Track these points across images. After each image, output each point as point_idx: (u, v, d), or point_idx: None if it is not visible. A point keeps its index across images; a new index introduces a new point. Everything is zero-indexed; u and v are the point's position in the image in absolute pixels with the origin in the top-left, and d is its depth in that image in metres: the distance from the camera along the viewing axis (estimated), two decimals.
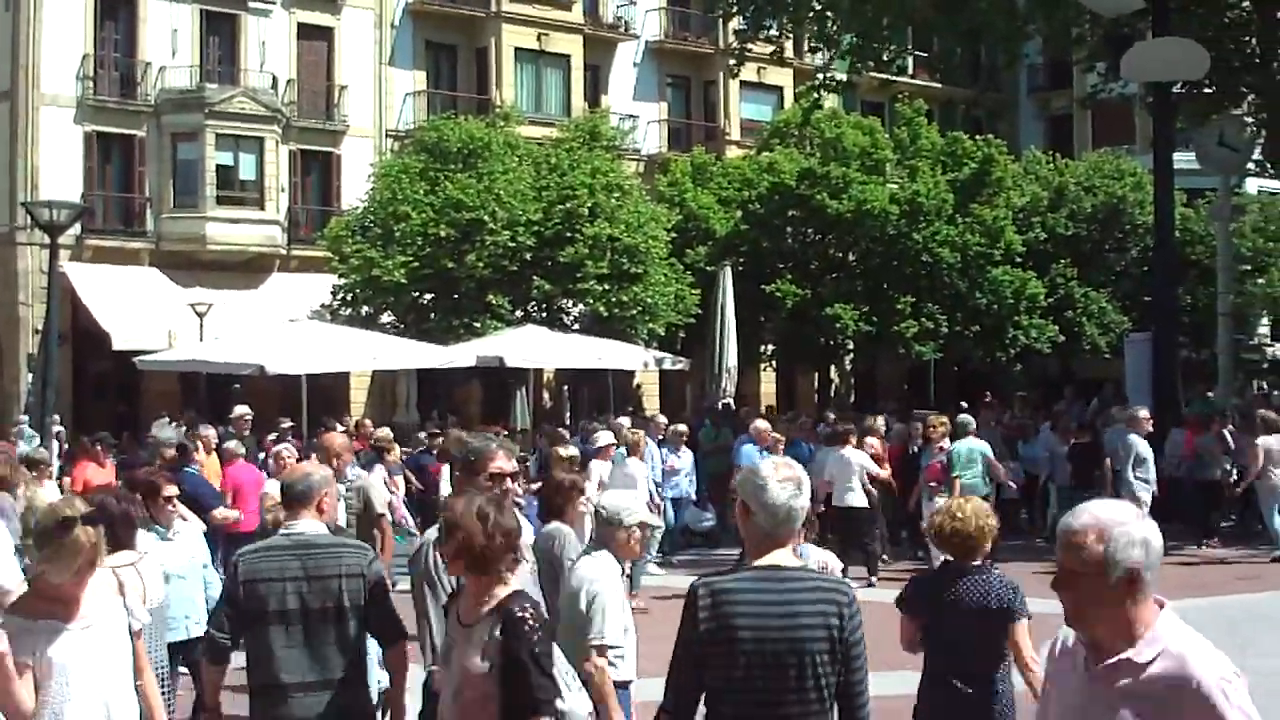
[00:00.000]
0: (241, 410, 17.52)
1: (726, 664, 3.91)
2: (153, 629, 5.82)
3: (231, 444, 14.11)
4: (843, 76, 26.23)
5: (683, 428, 18.58)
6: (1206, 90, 23.53)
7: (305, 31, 34.04)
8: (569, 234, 28.03)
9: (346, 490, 8.93)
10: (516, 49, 36.32)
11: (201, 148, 31.42)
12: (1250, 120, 25.01)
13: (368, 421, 20.50)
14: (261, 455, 16.35)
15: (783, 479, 4.02)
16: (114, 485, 9.08)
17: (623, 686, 5.78)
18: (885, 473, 15.72)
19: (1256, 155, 26.14)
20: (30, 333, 30.09)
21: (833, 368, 37.46)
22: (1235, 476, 17.65)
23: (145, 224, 31.91)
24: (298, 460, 10.80)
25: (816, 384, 37.73)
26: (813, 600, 3.93)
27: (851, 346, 33.91)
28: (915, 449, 17.01)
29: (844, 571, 14.00)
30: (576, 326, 28.13)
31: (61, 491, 11.82)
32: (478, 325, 26.45)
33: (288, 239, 33.05)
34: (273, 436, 18.26)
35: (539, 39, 36.54)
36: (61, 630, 4.62)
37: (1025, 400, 26.53)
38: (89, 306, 29.63)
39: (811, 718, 3.93)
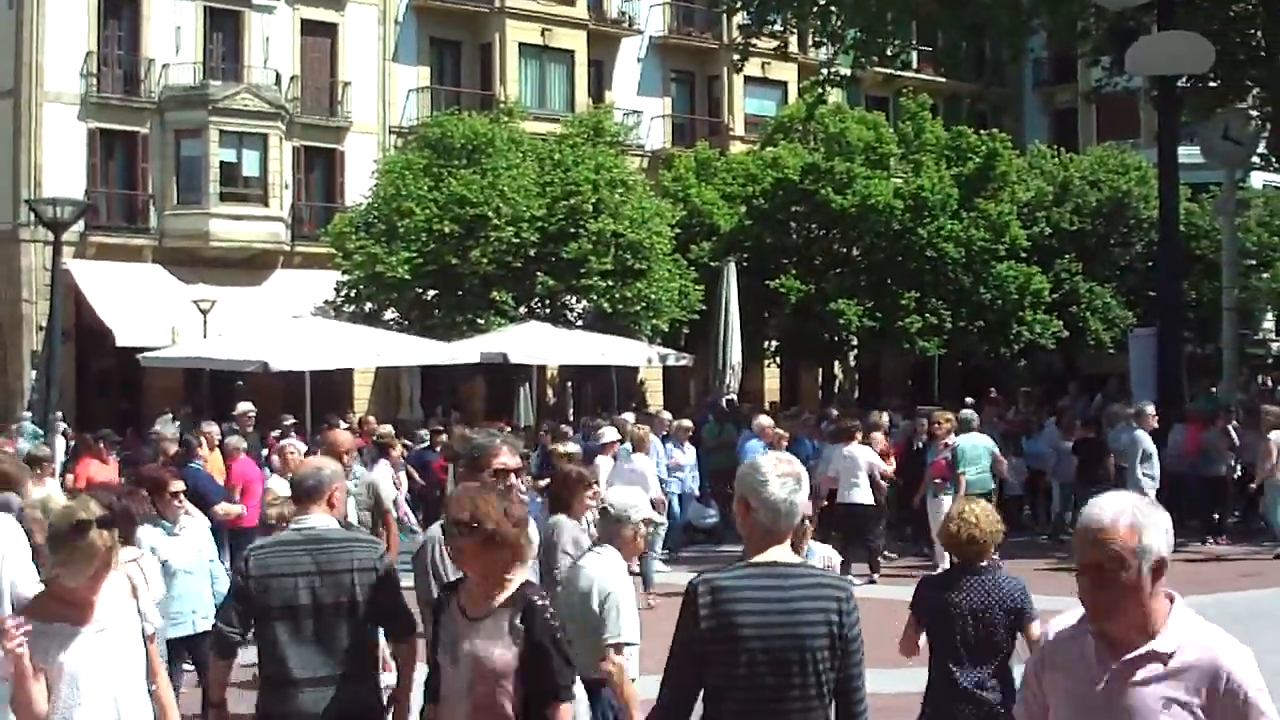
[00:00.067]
0: (245, 407, 17.55)
1: (729, 662, 3.89)
2: None
3: (233, 439, 14.11)
4: (847, 71, 26.19)
5: (687, 423, 18.56)
6: (1211, 84, 23.50)
7: (309, 28, 34.03)
8: (573, 230, 28.02)
9: (355, 486, 8.94)
10: (520, 44, 36.29)
11: (205, 144, 31.42)
12: (1255, 114, 24.98)
13: (371, 418, 20.52)
14: (265, 452, 16.35)
15: (782, 475, 4.00)
16: (114, 482, 9.09)
17: None
18: (890, 468, 15.70)
19: (1261, 149, 26.11)
20: (34, 329, 30.10)
21: (837, 363, 37.43)
22: (1239, 473, 17.62)
23: (149, 221, 31.92)
24: (304, 456, 10.80)
25: (820, 380, 37.70)
26: (813, 597, 3.92)
27: (855, 342, 33.89)
28: (920, 445, 16.99)
29: (846, 568, 14.06)
30: (580, 323, 28.13)
31: (64, 489, 11.81)
32: (481, 321, 26.46)
33: (291, 235, 33.05)
34: (276, 433, 18.27)
35: (543, 34, 36.51)
36: (75, 634, 4.58)
37: (1029, 396, 26.52)
38: (92, 303, 29.65)
39: (813, 713, 3.92)
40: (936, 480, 15.00)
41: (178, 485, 7.98)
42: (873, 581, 14.06)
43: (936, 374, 34.81)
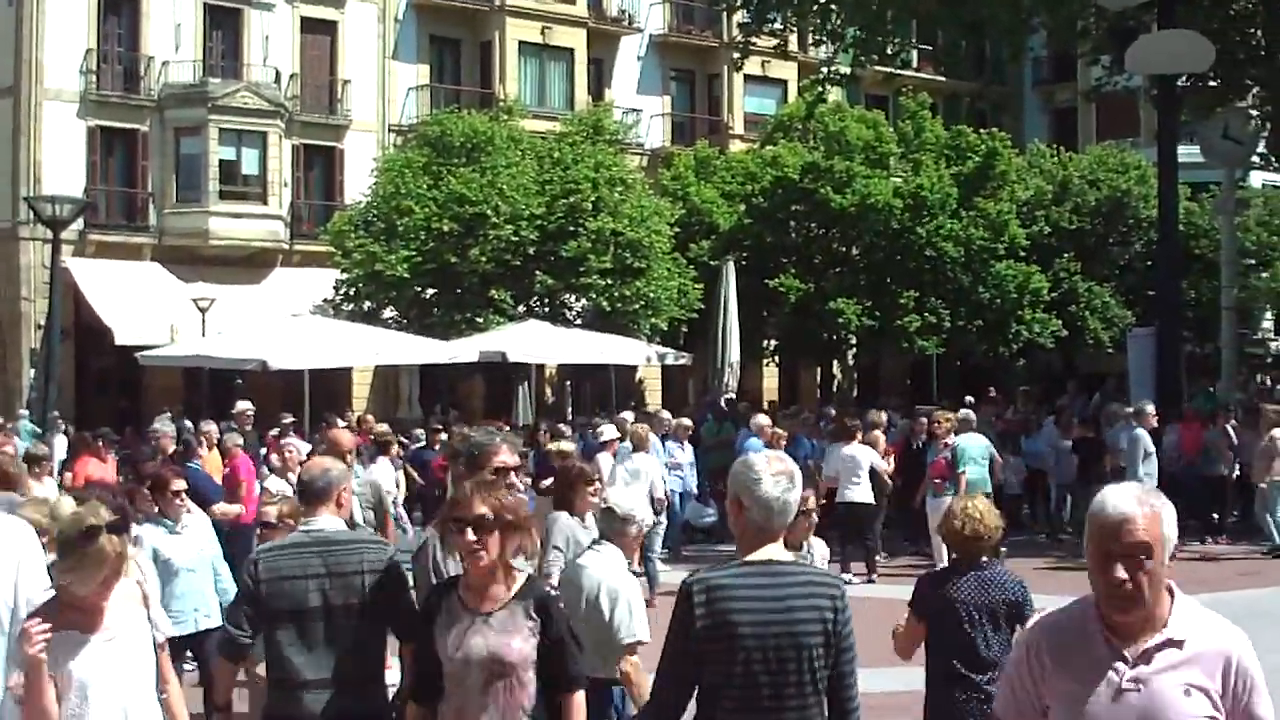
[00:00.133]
0: (244, 405, 17.53)
1: (725, 660, 3.89)
2: None
3: (231, 437, 14.10)
4: (846, 70, 26.17)
5: (687, 421, 18.57)
6: (1211, 83, 23.50)
7: (309, 25, 34.02)
8: (572, 228, 28.02)
9: (359, 486, 8.93)
10: (520, 43, 36.28)
11: (204, 142, 31.40)
12: (1255, 113, 24.98)
13: (369, 417, 20.53)
14: (264, 450, 16.33)
15: (776, 473, 4.00)
16: (109, 481, 9.09)
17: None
18: (889, 467, 15.71)
19: (1261, 149, 26.09)
20: (33, 328, 30.09)
21: (835, 363, 37.42)
22: (1238, 472, 17.62)
23: (148, 219, 31.91)
24: (306, 456, 10.79)
25: (819, 379, 37.70)
26: (807, 594, 3.93)
27: (854, 341, 33.88)
28: (918, 444, 16.99)
29: (845, 567, 14.07)
30: (579, 321, 28.13)
31: (61, 488, 11.80)
32: (480, 320, 26.45)
33: (290, 234, 33.03)
34: (275, 432, 18.26)
35: (543, 33, 36.50)
36: (84, 642, 4.51)
37: (1028, 395, 26.51)
38: (91, 302, 29.63)
39: (809, 710, 3.93)
40: (936, 480, 14.99)
41: (179, 484, 7.98)
42: (871, 581, 14.05)
43: (935, 373, 34.82)
